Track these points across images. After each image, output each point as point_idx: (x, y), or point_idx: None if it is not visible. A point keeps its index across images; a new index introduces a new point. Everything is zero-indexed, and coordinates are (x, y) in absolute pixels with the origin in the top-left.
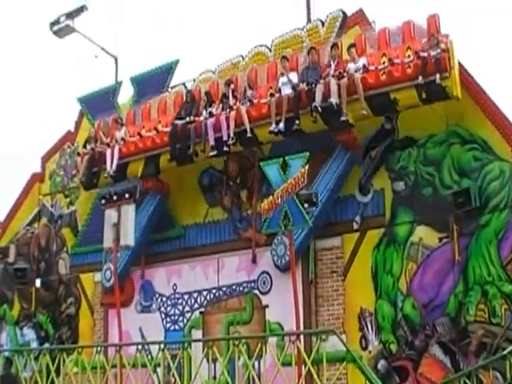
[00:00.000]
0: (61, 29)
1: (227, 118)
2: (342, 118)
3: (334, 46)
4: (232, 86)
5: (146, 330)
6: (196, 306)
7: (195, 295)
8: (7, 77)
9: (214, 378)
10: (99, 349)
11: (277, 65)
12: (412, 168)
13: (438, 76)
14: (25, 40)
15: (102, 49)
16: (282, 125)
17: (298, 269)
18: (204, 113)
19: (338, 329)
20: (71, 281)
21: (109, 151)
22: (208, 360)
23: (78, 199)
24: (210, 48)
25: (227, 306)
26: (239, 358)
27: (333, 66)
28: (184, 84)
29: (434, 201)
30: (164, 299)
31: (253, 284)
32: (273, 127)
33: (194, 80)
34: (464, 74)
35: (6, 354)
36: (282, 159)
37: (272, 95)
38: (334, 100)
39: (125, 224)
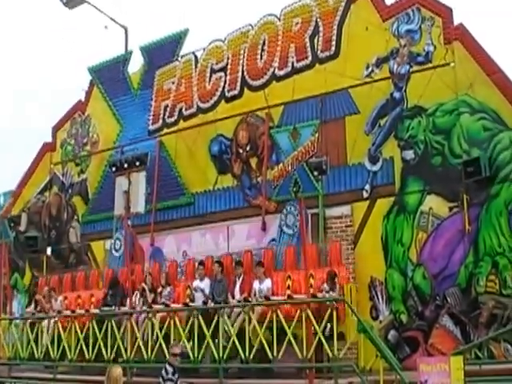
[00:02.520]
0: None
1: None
2: None
3: (238, 264)
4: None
5: None
6: None
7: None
8: (18, 48)
9: (225, 346)
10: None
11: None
12: (421, 137)
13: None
14: (35, 11)
15: (112, 19)
16: None
17: (307, 237)
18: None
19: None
20: (82, 249)
21: (45, 323)
22: (218, 329)
23: (89, 167)
24: (220, 17)
25: None
26: (249, 327)
27: (238, 286)
28: (193, 53)
29: (443, 170)
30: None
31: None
32: None
33: (204, 49)
34: (473, 43)
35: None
36: (292, 127)
37: None
38: None
39: (135, 191)
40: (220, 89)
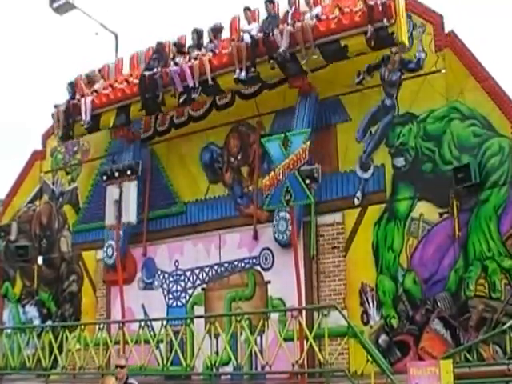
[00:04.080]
0: (61, 6)
1: (191, 68)
2: (302, 63)
3: None
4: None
5: (148, 307)
6: (198, 282)
7: (197, 272)
8: (7, 54)
9: (217, 353)
10: (102, 326)
11: (239, 18)
12: (412, 144)
13: (385, 21)
14: (25, 17)
15: (102, 25)
16: (243, 73)
17: (299, 245)
18: (172, 63)
19: (339, 304)
20: (73, 258)
21: (83, 102)
22: (210, 336)
23: (80, 176)
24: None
25: (229, 283)
26: (241, 334)
27: (290, 15)
28: None
29: (434, 176)
30: (166, 276)
31: (254, 260)
32: (237, 74)
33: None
34: (464, 50)
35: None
36: (283, 135)
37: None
38: (282, 48)
39: (126, 201)
40: (211, 97)
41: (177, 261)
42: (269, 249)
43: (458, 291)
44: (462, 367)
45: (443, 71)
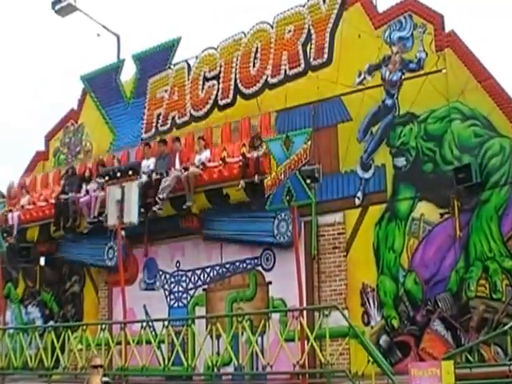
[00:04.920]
0: (63, 7)
1: (95, 198)
2: (187, 204)
3: (176, 139)
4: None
5: (149, 308)
6: (199, 283)
7: (198, 272)
8: (10, 56)
9: (218, 354)
10: (104, 326)
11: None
12: (413, 144)
13: (256, 177)
14: (27, 19)
15: (104, 27)
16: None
17: (300, 245)
18: (83, 188)
19: (340, 304)
20: None
21: (10, 216)
22: (212, 336)
23: None
24: (213, 25)
25: (230, 283)
26: (242, 334)
27: (177, 160)
28: (186, 61)
29: (435, 176)
30: (167, 277)
31: (256, 261)
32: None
33: (197, 57)
34: (465, 50)
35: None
36: (284, 135)
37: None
38: (161, 196)
39: (128, 201)
40: (213, 97)
41: (178, 261)
42: (270, 249)
43: (459, 292)
44: (463, 368)
45: (444, 71)
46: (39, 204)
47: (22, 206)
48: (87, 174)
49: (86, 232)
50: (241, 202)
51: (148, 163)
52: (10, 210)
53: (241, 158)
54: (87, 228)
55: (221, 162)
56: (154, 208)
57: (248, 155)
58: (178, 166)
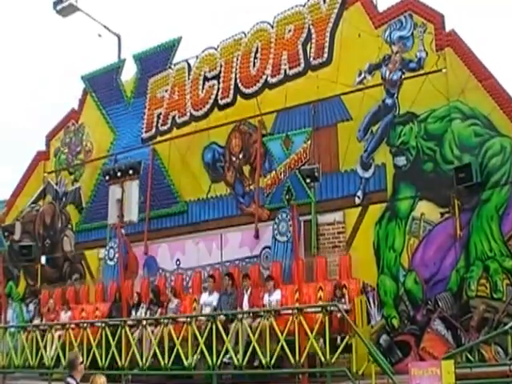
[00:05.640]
0: (64, 8)
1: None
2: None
3: (246, 276)
4: None
5: None
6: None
7: (198, 270)
8: (11, 56)
9: (218, 352)
10: (104, 324)
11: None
12: (413, 143)
13: (338, 338)
14: (29, 19)
15: (105, 27)
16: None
17: (300, 243)
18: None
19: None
20: (76, 258)
21: (49, 336)
22: (212, 335)
23: (82, 176)
24: (213, 25)
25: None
26: (243, 333)
27: (246, 299)
28: (186, 61)
29: (435, 176)
30: (168, 274)
31: (255, 259)
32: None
33: (197, 57)
34: (465, 50)
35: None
36: (284, 135)
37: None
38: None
39: (129, 200)
40: (213, 96)
41: (178, 259)
42: (270, 248)
43: (460, 291)
44: (464, 368)
45: (444, 70)
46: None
47: (64, 326)
48: (135, 299)
49: None
50: None
51: (210, 299)
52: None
53: (320, 309)
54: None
55: (296, 310)
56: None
57: (330, 308)
58: (245, 305)
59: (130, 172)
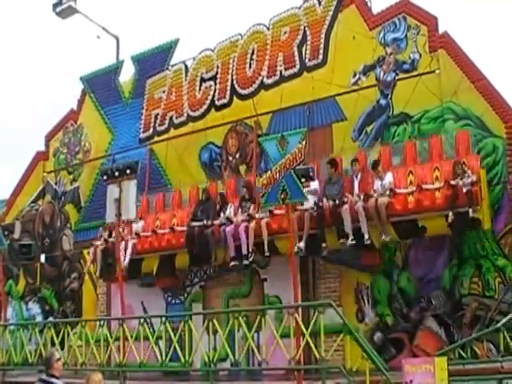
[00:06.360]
0: (63, 10)
1: (246, 229)
2: (383, 239)
3: (354, 161)
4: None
5: (147, 304)
6: (196, 280)
7: (195, 269)
8: (11, 56)
9: (214, 349)
10: (102, 322)
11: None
12: None
13: (470, 210)
14: (28, 20)
15: (104, 29)
16: (302, 244)
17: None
18: (221, 215)
19: (334, 301)
20: (75, 256)
21: (123, 245)
22: (208, 332)
23: (81, 176)
24: (210, 27)
25: (227, 280)
26: (238, 331)
27: (356, 184)
28: (184, 62)
29: None
30: None
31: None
32: (296, 246)
33: (194, 58)
34: (458, 51)
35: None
36: (280, 135)
37: (295, 209)
38: (364, 230)
39: (126, 199)
40: (210, 97)
41: None
42: None
43: (452, 289)
44: (456, 364)
45: (437, 72)
46: (160, 232)
47: (137, 234)
48: (218, 200)
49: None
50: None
51: (314, 186)
52: (122, 238)
53: (442, 184)
54: (234, 262)
55: (415, 187)
56: (322, 247)
57: (454, 182)
58: (356, 190)
59: (128, 172)
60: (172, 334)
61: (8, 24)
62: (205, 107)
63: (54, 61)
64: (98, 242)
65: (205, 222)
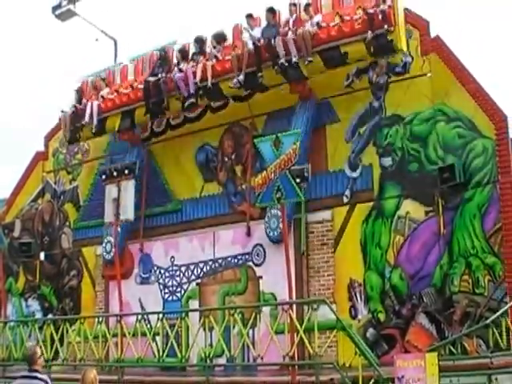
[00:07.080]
0: (63, 13)
1: (194, 73)
2: (308, 59)
3: (292, 4)
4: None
5: (145, 301)
6: (193, 277)
7: (192, 267)
8: (11, 58)
9: (211, 345)
10: (101, 319)
11: (241, 25)
12: (399, 144)
13: (385, 27)
14: (29, 23)
15: (102, 31)
16: (241, 77)
17: (290, 241)
18: (176, 69)
19: (328, 299)
20: (74, 254)
21: (89, 106)
22: (204, 329)
23: (80, 176)
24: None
25: (223, 278)
26: (234, 327)
27: (291, 23)
28: None
29: (420, 176)
30: (162, 271)
31: (247, 256)
32: (234, 81)
33: None
34: (449, 55)
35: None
36: (274, 136)
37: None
38: (294, 58)
39: (124, 199)
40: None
41: (173, 257)
42: (261, 245)
43: (443, 287)
44: (447, 360)
45: (429, 75)
46: (123, 91)
47: (102, 96)
48: (178, 55)
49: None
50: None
51: (251, 33)
52: (88, 101)
53: (362, 14)
54: (188, 103)
55: (338, 21)
56: (258, 77)
57: (371, 10)
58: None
59: (126, 172)
60: (169, 331)
61: (9, 26)
62: (201, 109)
63: (54, 61)
64: (67, 108)
65: (160, 75)
